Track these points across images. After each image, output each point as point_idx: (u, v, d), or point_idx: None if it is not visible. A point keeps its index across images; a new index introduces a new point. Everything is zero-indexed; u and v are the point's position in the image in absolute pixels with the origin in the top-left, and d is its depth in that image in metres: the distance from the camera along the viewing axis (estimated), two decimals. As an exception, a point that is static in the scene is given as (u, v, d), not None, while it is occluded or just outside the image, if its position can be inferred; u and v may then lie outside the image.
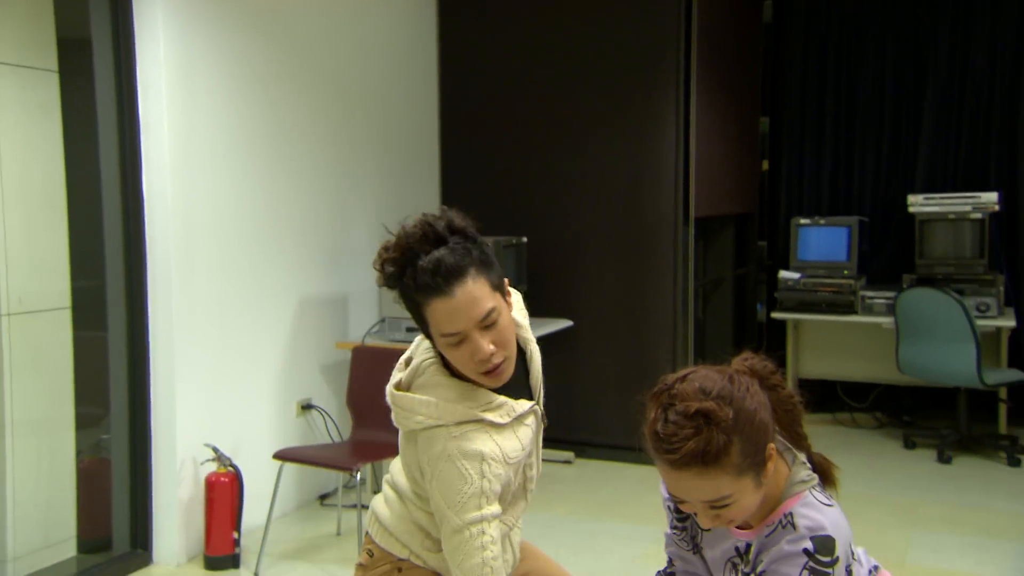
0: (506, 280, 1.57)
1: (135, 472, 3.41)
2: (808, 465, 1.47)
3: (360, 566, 1.75)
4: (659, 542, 3.56)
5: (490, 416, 1.56)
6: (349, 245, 4.39)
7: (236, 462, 3.49)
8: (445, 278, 1.46)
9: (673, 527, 1.65)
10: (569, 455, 4.72)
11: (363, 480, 4.07)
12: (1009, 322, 4.76)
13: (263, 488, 3.73)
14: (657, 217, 4.66)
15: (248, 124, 3.74)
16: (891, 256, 5.64)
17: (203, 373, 3.53)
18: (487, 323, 1.49)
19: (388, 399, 1.62)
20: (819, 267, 5.31)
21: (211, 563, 3.36)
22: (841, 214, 5.73)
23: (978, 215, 4.97)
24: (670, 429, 1.31)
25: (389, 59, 4.71)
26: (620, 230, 4.72)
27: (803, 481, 1.43)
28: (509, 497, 1.64)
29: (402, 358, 1.70)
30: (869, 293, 5.12)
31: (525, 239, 4.68)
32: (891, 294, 4.97)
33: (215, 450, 3.44)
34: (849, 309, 5.15)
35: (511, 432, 1.59)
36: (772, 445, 1.37)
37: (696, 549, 1.61)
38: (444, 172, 5.13)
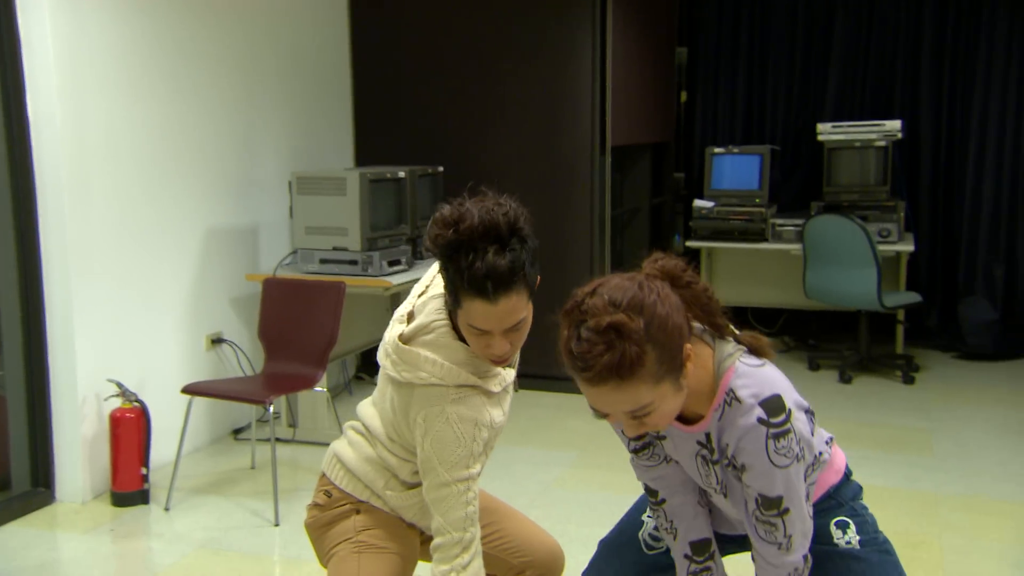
0: (538, 279, 1.61)
1: (33, 409, 3.26)
2: (731, 340, 1.47)
3: (316, 506, 1.77)
4: (574, 466, 3.64)
5: (487, 384, 1.63)
6: (258, 174, 4.22)
7: (143, 397, 3.37)
8: (494, 287, 1.49)
9: (634, 451, 1.64)
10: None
11: (276, 414, 4.01)
12: (908, 247, 4.93)
13: (173, 423, 3.63)
14: (574, 146, 4.61)
15: (142, 44, 3.52)
16: (801, 184, 5.75)
17: (103, 306, 3.38)
18: (513, 328, 1.56)
19: (390, 349, 1.65)
20: (732, 195, 5.37)
21: (118, 499, 3.26)
22: (754, 143, 5.79)
23: (882, 143, 5.09)
24: (583, 347, 1.30)
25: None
26: (537, 159, 4.67)
27: (730, 355, 1.43)
28: None
29: (402, 310, 1.72)
30: (779, 221, 5.21)
31: (441, 168, 4.58)
32: (800, 221, 5.07)
33: (119, 385, 3.31)
34: (760, 237, 5.24)
35: (498, 400, 1.67)
36: (688, 346, 1.36)
37: (667, 459, 1.61)
38: (357, 100, 4.96)
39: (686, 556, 1.62)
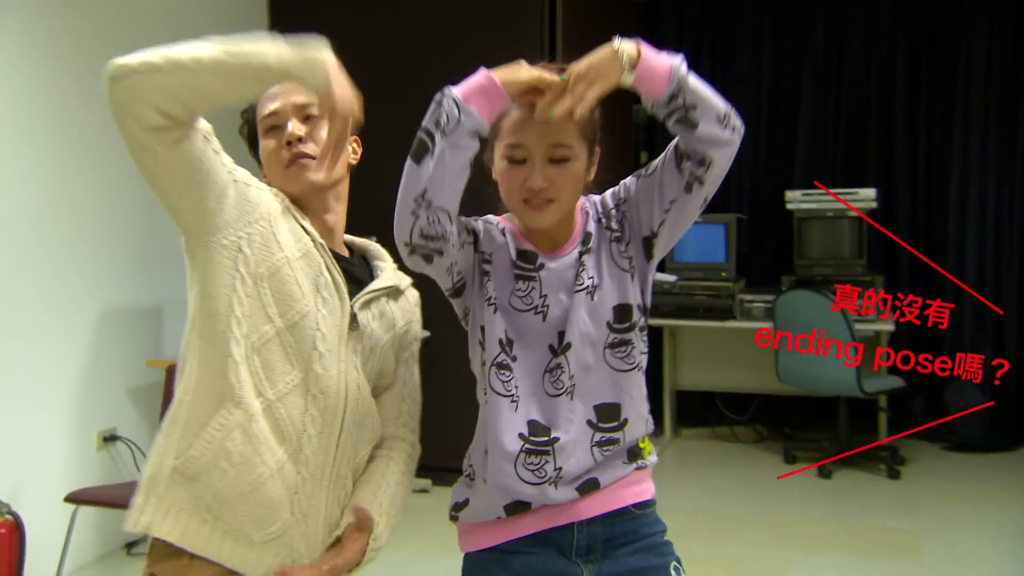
0: (356, 141, 1.77)
1: None
2: None
3: None
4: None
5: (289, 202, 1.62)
6: (163, 248, 4.14)
7: (17, 508, 3.21)
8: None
9: (516, 276, 1.64)
10: (426, 483, 4.63)
11: (179, 523, 3.86)
12: (888, 326, 5.01)
13: (54, 538, 3.45)
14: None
15: (26, 100, 3.47)
16: (770, 256, 5.84)
17: (-26, 402, 3.24)
18: (306, 114, 1.62)
19: None
20: (696, 269, 5.43)
21: (-18, 632, 3.08)
22: (718, 211, 5.89)
23: (856, 213, 5.21)
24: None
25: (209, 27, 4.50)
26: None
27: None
28: (276, 349, 1.52)
29: None
30: (747, 297, 5.27)
31: (375, 238, 4.55)
32: (770, 297, 5.13)
33: (-5, 500, 3.16)
34: (727, 314, 5.29)
35: (302, 248, 1.59)
36: (597, 155, 1.65)
37: (536, 309, 1.63)
38: (280, 163, 4.95)
39: (520, 435, 1.59)
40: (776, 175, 5.86)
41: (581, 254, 1.63)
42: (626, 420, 1.62)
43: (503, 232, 1.65)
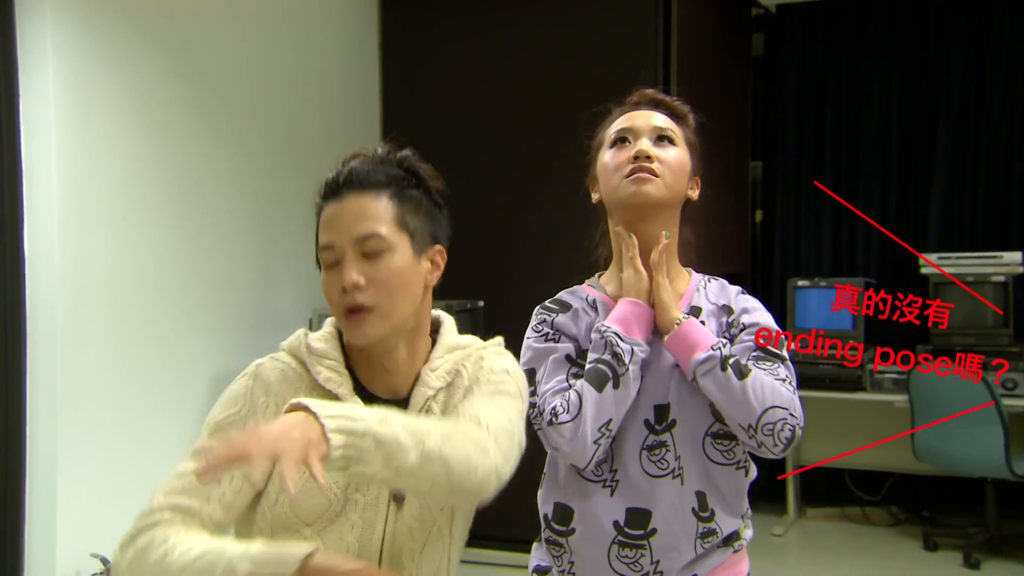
0: (440, 249, 1.53)
1: (3, 591, 3.25)
2: None
3: None
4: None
5: (325, 373, 1.47)
6: (275, 310, 4.31)
7: (130, 576, 3.34)
8: (346, 183, 1.47)
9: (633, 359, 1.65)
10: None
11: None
12: (1042, 402, 4.82)
13: (162, 607, 3.58)
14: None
15: (153, 169, 3.68)
16: (903, 324, 5.68)
17: (93, 467, 3.40)
18: (367, 249, 1.43)
19: None
20: (820, 336, 5.32)
21: None
22: (845, 275, 5.79)
23: (1000, 278, 5.06)
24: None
25: (323, 95, 4.70)
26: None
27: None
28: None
29: None
30: (878, 367, 5.15)
31: (481, 303, 4.64)
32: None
33: (104, 562, 3.29)
34: (856, 385, 5.17)
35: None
36: (699, 180, 1.81)
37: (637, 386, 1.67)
38: (387, 225, 5.10)
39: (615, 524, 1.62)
40: (908, 236, 5.72)
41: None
42: (713, 512, 1.62)
43: (594, 306, 1.72)
